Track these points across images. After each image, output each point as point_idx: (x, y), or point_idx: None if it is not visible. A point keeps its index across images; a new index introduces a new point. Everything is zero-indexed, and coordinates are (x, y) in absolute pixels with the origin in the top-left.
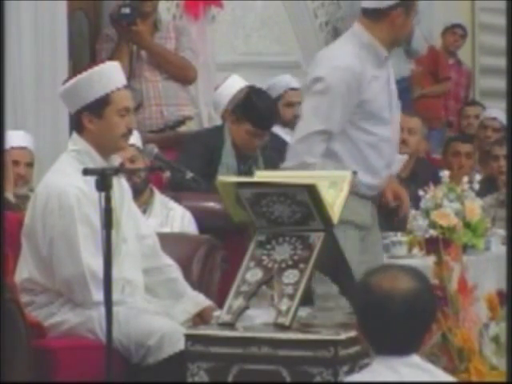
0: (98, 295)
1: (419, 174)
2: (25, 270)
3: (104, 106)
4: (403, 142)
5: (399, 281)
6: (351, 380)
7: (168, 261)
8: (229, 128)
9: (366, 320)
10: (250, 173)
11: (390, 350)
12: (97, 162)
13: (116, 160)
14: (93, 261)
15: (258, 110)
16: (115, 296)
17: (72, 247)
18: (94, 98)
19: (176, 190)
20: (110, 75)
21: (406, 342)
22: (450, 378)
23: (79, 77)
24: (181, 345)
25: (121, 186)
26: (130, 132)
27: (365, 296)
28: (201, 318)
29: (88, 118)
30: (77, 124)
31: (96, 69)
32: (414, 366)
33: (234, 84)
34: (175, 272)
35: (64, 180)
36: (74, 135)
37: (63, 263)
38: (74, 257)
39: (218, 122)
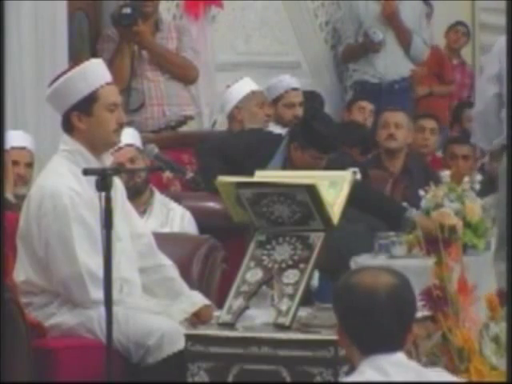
0: (96, 294)
1: (412, 170)
2: (22, 273)
3: (92, 103)
4: (391, 136)
5: (380, 277)
6: (346, 381)
7: (165, 260)
8: (289, 152)
9: (352, 320)
10: None
11: (376, 349)
12: (89, 161)
13: (108, 159)
14: (89, 260)
15: (322, 136)
16: (114, 296)
17: (68, 247)
18: (81, 97)
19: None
20: (94, 72)
21: (391, 338)
22: (434, 374)
23: (64, 77)
24: (180, 344)
25: (114, 185)
26: (121, 127)
27: (348, 297)
28: (198, 317)
29: (77, 117)
30: (66, 125)
31: (79, 68)
32: (401, 364)
33: (245, 86)
34: (172, 271)
35: (57, 181)
36: (65, 136)
37: (60, 263)
38: (70, 257)
39: (218, 121)
